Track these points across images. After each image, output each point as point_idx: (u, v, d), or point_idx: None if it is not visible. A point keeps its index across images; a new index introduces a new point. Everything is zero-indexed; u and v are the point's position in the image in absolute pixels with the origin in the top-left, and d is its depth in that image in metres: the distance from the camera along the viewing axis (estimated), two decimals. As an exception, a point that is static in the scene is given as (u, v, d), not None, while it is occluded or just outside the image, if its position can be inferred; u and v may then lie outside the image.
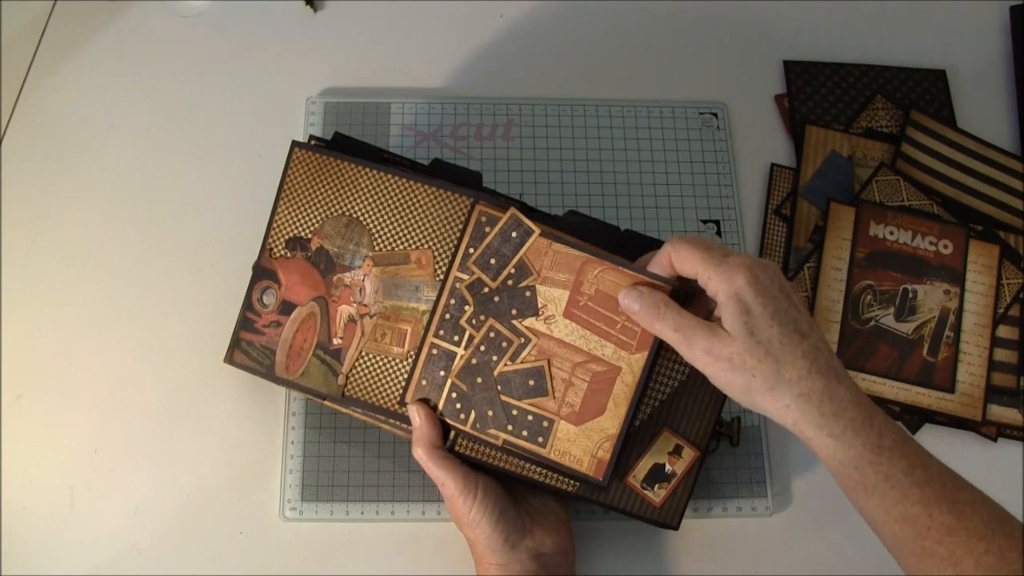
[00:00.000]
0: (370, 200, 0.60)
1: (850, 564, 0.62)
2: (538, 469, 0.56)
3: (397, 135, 0.73)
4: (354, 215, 0.60)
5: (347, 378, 0.58)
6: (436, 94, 0.76)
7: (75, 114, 0.74)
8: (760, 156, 0.75)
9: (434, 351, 0.56)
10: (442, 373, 0.55)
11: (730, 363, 0.47)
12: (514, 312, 0.55)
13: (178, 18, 0.79)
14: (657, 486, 0.56)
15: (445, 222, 0.58)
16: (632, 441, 0.56)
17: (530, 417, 0.54)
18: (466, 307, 0.55)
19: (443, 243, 0.58)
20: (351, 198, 0.60)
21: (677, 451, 0.56)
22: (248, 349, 0.59)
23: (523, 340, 0.54)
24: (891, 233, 0.70)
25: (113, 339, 0.66)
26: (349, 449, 0.63)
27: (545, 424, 0.54)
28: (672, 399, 0.56)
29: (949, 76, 0.79)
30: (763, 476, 0.64)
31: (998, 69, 0.81)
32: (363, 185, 0.60)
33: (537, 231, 0.55)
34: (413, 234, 0.59)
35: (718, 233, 0.71)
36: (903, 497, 0.46)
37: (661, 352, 0.54)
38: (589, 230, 0.56)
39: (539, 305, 0.55)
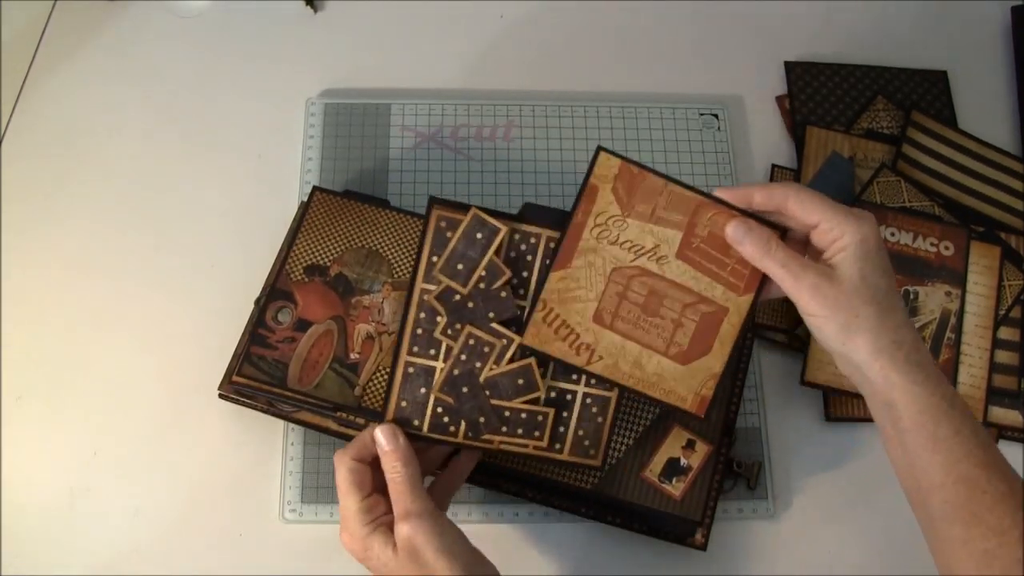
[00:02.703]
0: (390, 235, 0.62)
1: (850, 565, 0.62)
2: (556, 469, 0.57)
3: (397, 135, 0.73)
4: (374, 247, 0.62)
5: (364, 389, 0.58)
6: (436, 94, 0.76)
7: (75, 114, 0.74)
8: (761, 157, 0.75)
9: (410, 369, 0.53)
10: (423, 390, 0.53)
11: (835, 301, 0.49)
12: (491, 315, 0.53)
13: (178, 18, 0.79)
14: (675, 479, 0.58)
15: None
16: (645, 436, 0.59)
17: (523, 415, 0.54)
18: (438, 318, 0.53)
19: None
20: (371, 234, 0.62)
21: (690, 445, 0.59)
22: (259, 362, 0.59)
23: (505, 341, 0.53)
24: (892, 234, 0.69)
25: (113, 340, 0.66)
26: (349, 450, 0.63)
27: (540, 419, 0.53)
28: None
29: (950, 77, 0.79)
30: (764, 478, 0.63)
31: (999, 70, 0.81)
32: (382, 223, 0.63)
33: (504, 228, 0.53)
34: None
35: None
36: (967, 455, 0.47)
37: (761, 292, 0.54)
38: (549, 217, 0.55)
39: (648, 246, 0.53)
